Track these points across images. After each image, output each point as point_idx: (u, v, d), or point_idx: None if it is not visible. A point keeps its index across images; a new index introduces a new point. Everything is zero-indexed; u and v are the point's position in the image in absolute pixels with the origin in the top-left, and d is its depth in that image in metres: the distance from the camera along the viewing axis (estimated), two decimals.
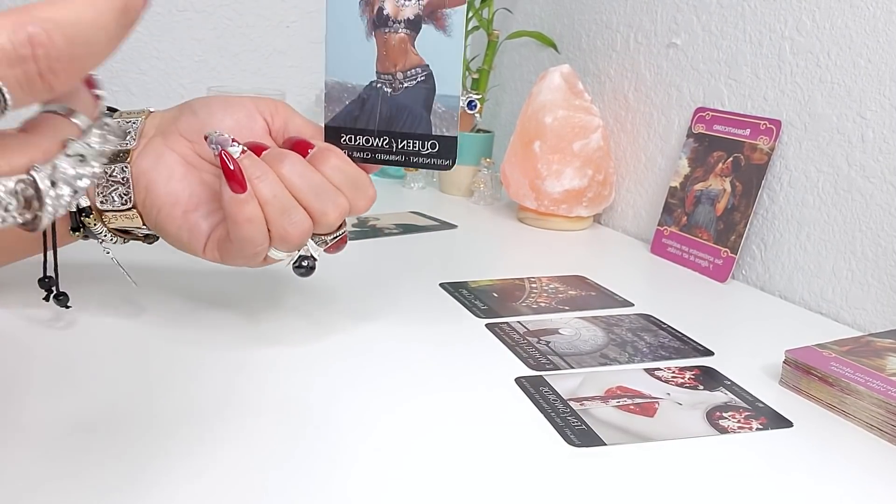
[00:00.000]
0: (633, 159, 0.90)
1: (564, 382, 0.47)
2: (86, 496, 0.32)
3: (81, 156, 0.26)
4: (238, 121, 0.46)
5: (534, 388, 0.46)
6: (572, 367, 0.50)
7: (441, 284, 0.64)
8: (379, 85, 0.45)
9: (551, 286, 0.66)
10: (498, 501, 0.35)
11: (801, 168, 0.69)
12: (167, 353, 0.47)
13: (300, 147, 0.44)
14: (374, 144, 0.46)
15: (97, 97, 0.29)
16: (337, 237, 0.47)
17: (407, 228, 0.83)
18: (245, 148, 0.42)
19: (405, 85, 0.45)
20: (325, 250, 0.47)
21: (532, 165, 0.86)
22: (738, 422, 0.44)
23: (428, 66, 0.44)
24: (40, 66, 0.22)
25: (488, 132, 1.05)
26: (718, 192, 0.75)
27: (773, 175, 0.72)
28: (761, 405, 0.46)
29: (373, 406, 0.42)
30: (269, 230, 0.42)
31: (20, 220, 0.24)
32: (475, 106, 1.02)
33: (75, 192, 0.25)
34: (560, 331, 0.56)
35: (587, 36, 0.97)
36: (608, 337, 0.56)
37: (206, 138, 0.42)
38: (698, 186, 0.78)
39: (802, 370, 0.48)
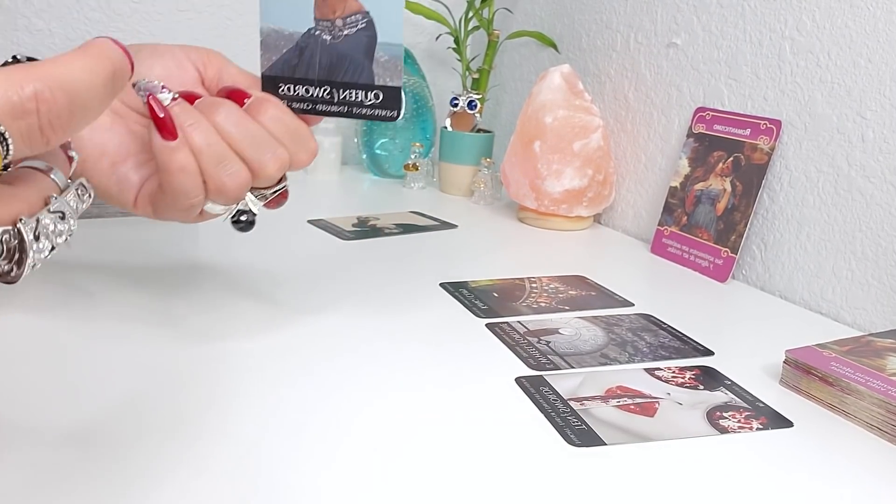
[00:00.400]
0: (633, 159, 0.90)
1: (564, 382, 0.47)
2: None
3: (62, 213, 0.27)
4: (167, 69, 0.44)
5: (534, 388, 0.46)
6: (572, 367, 0.50)
7: (441, 284, 0.64)
8: (317, 32, 0.43)
9: (551, 286, 0.66)
10: (498, 501, 0.35)
11: (802, 168, 0.69)
12: (163, 350, 0.47)
13: (236, 96, 0.43)
14: (315, 95, 0.44)
15: (70, 158, 0.31)
16: (277, 191, 0.45)
17: (407, 228, 0.83)
18: (177, 95, 0.41)
19: (345, 32, 0.43)
20: (264, 205, 0.46)
21: (532, 165, 0.86)
22: (739, 422, 0.44)
23: (368, 12, 0.43)
24: (41, 121, 0.23)
25: (488, 132, 1.05)
26: (718, 191, 0.75)
27: (774, 175, 0.72)
28: (761, 405, 0.46)
29: (372, 405, 0.42)
30: (204, 181, 0.41)
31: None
32: (475, 106, 1.02)
33: (53, 247, 0.26)
34: (560, 331, 0.56)
35: (587, 36, 0.97)
36: (608, 337, 0.56)
37: (133, 86, 0.41)
38: (698, 186, 0.78)
39: (803, 370, 0.48)
